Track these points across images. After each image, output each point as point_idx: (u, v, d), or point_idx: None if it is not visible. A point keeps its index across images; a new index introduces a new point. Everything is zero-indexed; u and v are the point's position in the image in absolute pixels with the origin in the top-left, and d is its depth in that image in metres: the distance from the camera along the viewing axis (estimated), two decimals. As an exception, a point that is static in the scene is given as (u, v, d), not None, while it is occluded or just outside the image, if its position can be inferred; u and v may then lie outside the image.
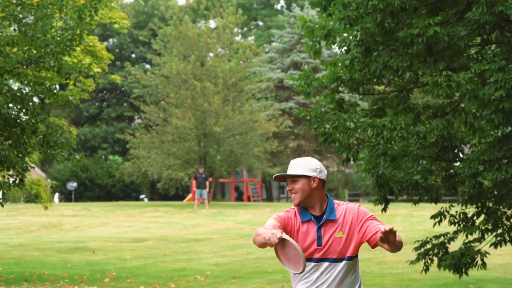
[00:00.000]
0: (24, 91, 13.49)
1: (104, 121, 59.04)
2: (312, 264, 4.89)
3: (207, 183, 35.11)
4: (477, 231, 10.42)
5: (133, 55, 61.63)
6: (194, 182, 35.14)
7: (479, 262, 10.47)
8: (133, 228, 26.47)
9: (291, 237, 4.84)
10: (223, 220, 29.26)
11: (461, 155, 10.28)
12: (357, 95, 11.02)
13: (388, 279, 14.48)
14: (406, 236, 21.99)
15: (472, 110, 10.54)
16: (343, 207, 4.93)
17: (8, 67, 12.90)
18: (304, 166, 4.92)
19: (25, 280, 14.10)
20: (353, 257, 4.92)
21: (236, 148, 41.03)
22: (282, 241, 4.56)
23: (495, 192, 10.57)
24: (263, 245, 4.65)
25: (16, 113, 13.42)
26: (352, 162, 10.53)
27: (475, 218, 10.78)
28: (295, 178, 4.90)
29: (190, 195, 43.53)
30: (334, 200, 4.97)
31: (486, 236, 10.52)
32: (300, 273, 4.62)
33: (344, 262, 4.90)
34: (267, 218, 30.96)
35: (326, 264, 4.89)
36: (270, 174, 49.22)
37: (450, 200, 34.54)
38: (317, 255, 4.89)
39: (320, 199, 4.94)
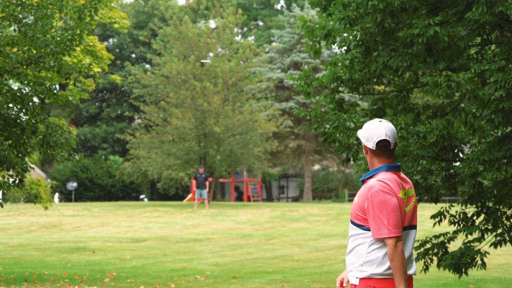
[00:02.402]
0: (24, 91, 13.48)
1: (104, 121, 59.03)
2: None
3: (207, 183, 35.11)
4: (477, 231, 10.41)
5: (133, 55, 61.63)
6: (194, 182, 35.15)
7: (479, 262, 10.46)
8: (133, 228, 26.47)
9: None
10: (223, 220, 29.25)
11: (461, 155, 10.27)
12: (357, 95, 11.02)
13: (388, 279, 14.46)
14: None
15: (472, 110, 10.53)
16: (371, 180, 4.79)
17: (8, 67, 12.90)
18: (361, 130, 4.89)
19: (25, 280, 14.09)
20: (356, 224, 4.75)
21: (236, 148, 41.02)
22: None
23: (495, 192, 10.56)
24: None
25: (16, 113, 13.41)
26: (352, 162, 10.52)
27: (475, 218, 10.78)
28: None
29: (190, 195, 43.53)
30: (381, 172, 4.77)
31: (486, 236, 10.52)
32: None
33: (350, 225, 4.82)
34: (267, 218, 31.02)
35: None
36: (270, 174, 49.19)
37: (450, 200, 34.54)
38: None
39: (371, 166, 4.86)
